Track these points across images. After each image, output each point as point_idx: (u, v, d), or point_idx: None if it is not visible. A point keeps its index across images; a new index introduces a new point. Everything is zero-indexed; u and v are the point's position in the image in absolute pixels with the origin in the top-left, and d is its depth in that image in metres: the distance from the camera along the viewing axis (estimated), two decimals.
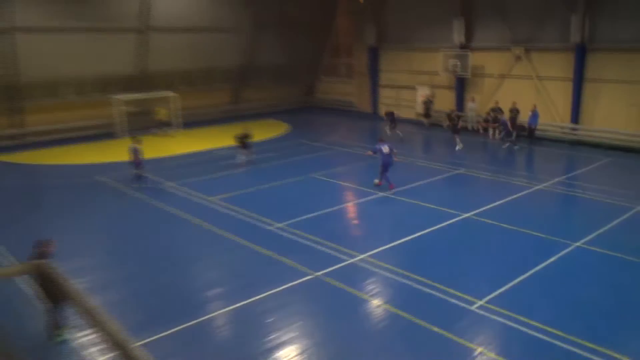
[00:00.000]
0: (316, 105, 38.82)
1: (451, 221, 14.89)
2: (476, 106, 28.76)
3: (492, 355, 8.60)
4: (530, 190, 17.89)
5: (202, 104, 33.01)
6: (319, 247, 13.13)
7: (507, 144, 24.51)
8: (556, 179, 19.26)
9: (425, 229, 14.24)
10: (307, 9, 34.77)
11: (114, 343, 4.01)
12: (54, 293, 8.15)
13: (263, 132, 28.24)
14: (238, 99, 35.49)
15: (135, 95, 28.57)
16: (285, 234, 14.06)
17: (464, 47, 28.94)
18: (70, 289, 4.95)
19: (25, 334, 9.25)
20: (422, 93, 31.63)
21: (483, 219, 15.03)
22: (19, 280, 10.67)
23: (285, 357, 8.68)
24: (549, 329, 9.20)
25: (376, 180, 18.26)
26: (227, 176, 20.27)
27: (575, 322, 9.48)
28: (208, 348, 9.04)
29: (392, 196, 17.31)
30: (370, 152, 18.90)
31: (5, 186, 19.55)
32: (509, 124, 24.62)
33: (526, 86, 26.95)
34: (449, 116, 27.08)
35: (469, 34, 29.07)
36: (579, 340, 8.85)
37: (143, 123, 28.69)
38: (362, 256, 12.52)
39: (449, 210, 15.65)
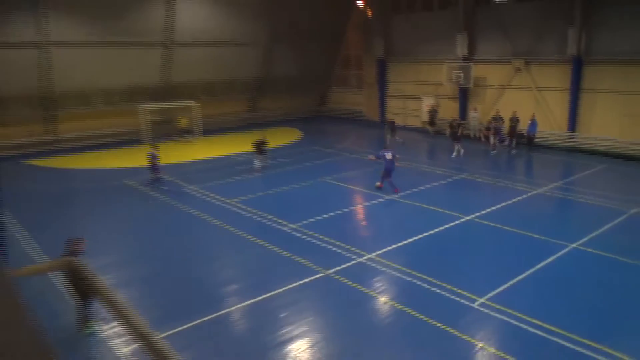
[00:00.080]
0: (328, 114, 38.84)
1: (454, 223, 14.82)
2: (478, 115, 28.60)
3: (492, 350, 8.54)
4: (529, 194, 17.74)
5: (221, 113, 33.15)
6: (330, 246, 13.13)
7: (495, 152, 24.52)
8: (554, 184, 19.09)
9: (430, 231, 14.19)
10: (320, 24, 34.84)
11: (138, 335, 4.03)
12: (84, 288, 8.24)
13: (278, 139, 28.31)
14: (255, 108, 35.62)
15: (159, 104, 28.82)
16: (298, 234, 14.08)
17: (466, 59, 28.82)
18: (98, 285, 4.99)
19: (57, 326, 9.36)
20: (427, 103, 31.51)
21: (484, 222, 14.94)
22: (51, 276, 10.80)
23: (297, 350, 8.68)
24: (546, 326, 9.12)
25: (377, 183, 18.35)
26: (244, 180, 20.34)
27: (571, 319, 9.39)
28: (225, 340, 9.08)
29: (398, 199, 17.26)
30: (372, 157, 18.95)
31: (40, 189, 19.79)
32: (502, 130, 24.91)
33: (525, 96, 26.77)
34: (450, 125, 26.98)
35: (471, 47, 28.95)
36: (574, 336, 8.77)
37: (166, 130, 28.94)
38: (369, 255, 12.51)
39: (452, 213, 15.57)
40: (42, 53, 25.14)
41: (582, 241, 13.19)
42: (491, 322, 9.47)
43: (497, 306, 9.90)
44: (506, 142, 25.10)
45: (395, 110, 33.71)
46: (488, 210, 15.90)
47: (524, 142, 25.15)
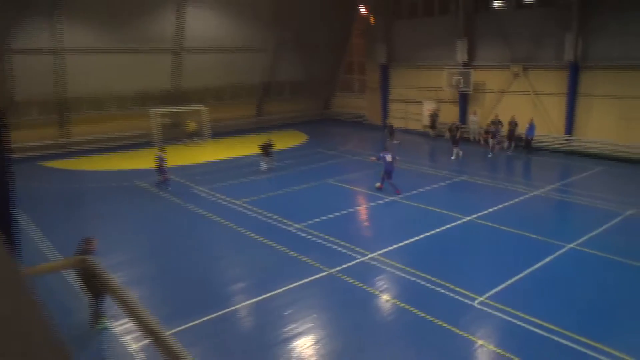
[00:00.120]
0: (332, 118, 38.82)
1: (454, 224, 14.76)
2: (478, 119, 28.51)
3: (492, 347, 8.49)
4: (528, 196, 17.66)
5: (229, 116, 33.19)
6: (333, 246, 13.10)
7: (492, 154, 24.46)
8: (551, 186, 19.00)
9: (431, 231, 14.14)
10: (325, 31, 34.88)
11: (148, 331, 4.03)
12: (96, 286, 8.25)
13: (284, 141, 28.30)
14: (262, 112, 35.64)
15: (170, 108, 28.88)
16: (302, 234, 14.06)
17: (466, 65, 28.74)
18: (109, 282, 4.99)
19: (70, 322, 9.37)
20: (428, 107, 31.45)
21: (484, 222, 14.87)
22: (64, 274, 10.83)
23: (302, 346, 8.66)
24: (544, 324, 9.06)
25: (377, 184, 18.38)
26: (251, 182, 20.35)
27: (568, 318, 9.33)
28: (231, 337, 9.07)
29: (400, 200, 17.22)
30: (374, 159, 19.05)
31: (54, 190, 19.88)
32: (499, 133, 25.04)
33: (524, 101, 26.67)
34: (449, 129, 26.94)
35: (471, 53, 28.86)
36: (571, 334, 8.71)
37: (176, 134, 28.99)
38: (372, 255, 12.47)
39: (452, 214, 15.52)
40: (58, 59, 25.28)
41: (579, 241, 13.10)
42: (491, 320, 9.41)
43: (497, 305, 9.84)
44: (505, 145, 25.08)
45: (397, 114, 33.64)
46: (487, 211, 15.82)
47: (522, 145, 25.09)
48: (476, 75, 28.23)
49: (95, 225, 14.86)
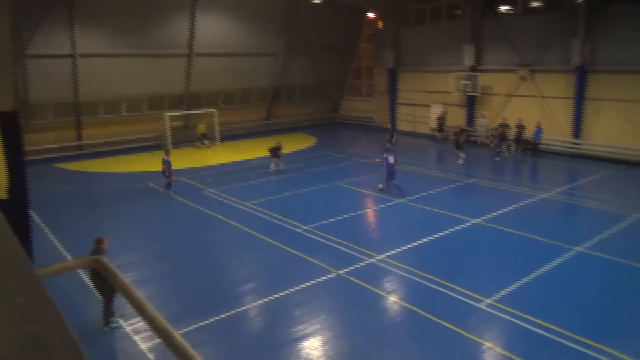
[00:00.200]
0: (340, 121, 38.82)
1: (462, 226, 14.66)
2: (485, 122, 28.39)
3: (499, 350, 8.40)
4: (535, 198, 17.51)
5: (239, 120, 33.31)
6: (341, 247, 13.06)
7: (499, 158, 24.32)
8: (559, 189, 18.83)
9: (438, 233, 14.05)
10: (334, 36, 34.95)
11: (158, 331, 4.04)
12: (107, 285, 8.28)
13: (293, 144, 28.33)
14: (271, 115, 35.71)
15: (181, 111, 29.01)
16: (311, 236, 14.03)
17: (474, 69, 28.60)
18: (120, 282, 5.00)
19: (82, 321, 9.41)
20: (435, 110, 31.34)
21: (491, 225, 14.75)
22: (76, 274, 10.89)
23: (310, 347, 8.62)
24: (552, 327, 8.94)
25: (380, 185, 18.42)
26: (260, 183, 20.37)
27: (576, 321, 9.19)
28: (240, 337, 9.05)
29: (408, 203, 17.15)
30: (378, 160, 19.12)
31: (68, 191, 20.02)
32: (506, 136, 25.13)
33: (531, 104, 26.48)
34: (454, 133, 26.84)
35: (478, 57, 28.73)
36: (579, 338, 8.58)
37: (187, 137, 29.13)
38: (380, 257, 12.41)
39: (460, 216, 15.42)
40: (73, 64, 25.48)
41: (587, 244, 12.95)
42: (498, 322, 9.31)
43: (504, 307, 9.74)
44: (512, 148, 24.96)
45: (405, 118, 33.61)
46: (495, 213, 15.70)
47: (530, 148, 24.92)
48: (483, 79, 28.09)
49: (109, 226, 14.94)
